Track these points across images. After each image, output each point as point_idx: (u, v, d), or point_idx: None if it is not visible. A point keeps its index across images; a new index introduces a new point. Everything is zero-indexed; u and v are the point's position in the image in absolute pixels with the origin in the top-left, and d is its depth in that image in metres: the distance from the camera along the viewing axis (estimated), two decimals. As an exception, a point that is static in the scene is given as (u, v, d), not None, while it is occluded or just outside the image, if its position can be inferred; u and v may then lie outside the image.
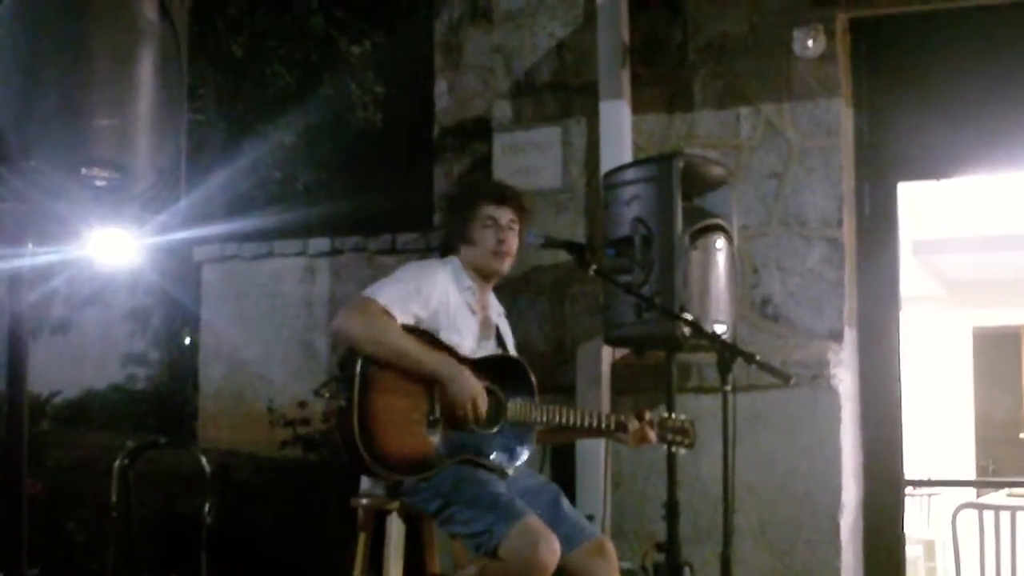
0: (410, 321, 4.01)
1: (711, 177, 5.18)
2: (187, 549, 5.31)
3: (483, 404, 3.98)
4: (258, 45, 11.71)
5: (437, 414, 3.97)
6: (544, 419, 4.11)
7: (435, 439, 3.97)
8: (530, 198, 5.26)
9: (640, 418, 4.22)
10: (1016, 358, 13.86)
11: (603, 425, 4.23)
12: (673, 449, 4.37)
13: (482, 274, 4.29)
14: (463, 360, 4.05)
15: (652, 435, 4.24)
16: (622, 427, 4.20)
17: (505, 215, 4.26)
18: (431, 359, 3.96)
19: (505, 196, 4.32)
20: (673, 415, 4.36)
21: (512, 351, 4.35)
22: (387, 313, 3.95)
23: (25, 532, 2.99)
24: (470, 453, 4.00)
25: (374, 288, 4.03)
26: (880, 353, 5.74)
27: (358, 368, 3.91)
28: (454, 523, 3.96)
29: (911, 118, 5.77)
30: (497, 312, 4.38)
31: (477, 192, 4.37)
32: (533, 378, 4.17)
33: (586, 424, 4.21)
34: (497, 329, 4.33)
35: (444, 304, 4.11)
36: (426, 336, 4.04)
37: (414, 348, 3.95)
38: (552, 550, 3.74)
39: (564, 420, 4.14)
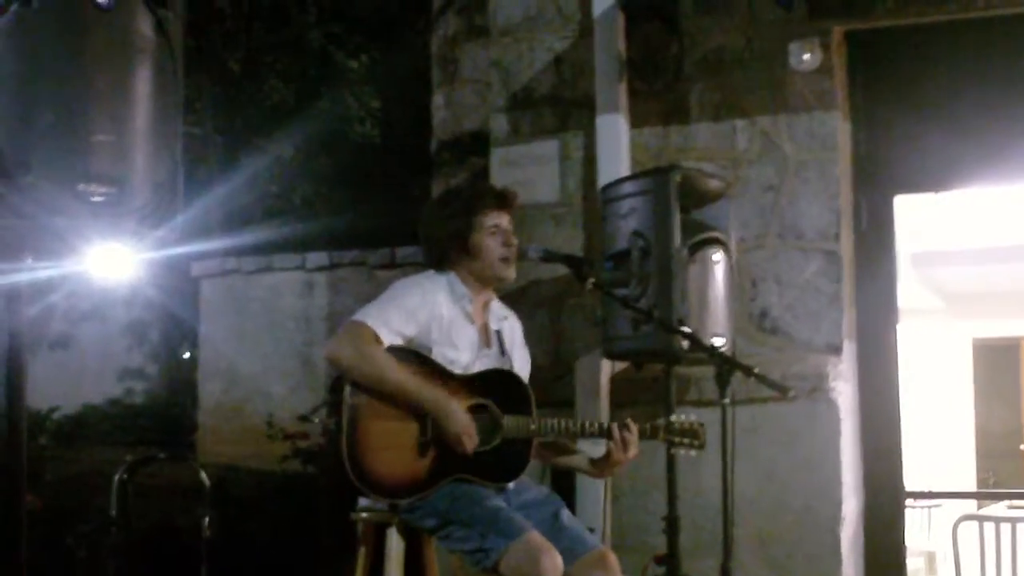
0: (399, 342, 3.99)
1: (708, 190, 5.19)
2: (186, 563, 5.31)
3: (472, 439, 3.95)
4: (255, 60, 11.75)
5: (429, 435, 3.96)
6: (541, 432, 4.08)
7: (427, 460, 3.95)
8: (528, 212, 5.26)
9: (627, 428, 4.11)
10: (1016, 370, 13.87)
11: (600, 430, 4.18)
12: (682, 452, 4.26)
13: (486, 283, 4.23)
14: (455, 379, 4.04)
15: (633, 448, 4.15)
16: (626, 428, 4.11)
17: (506, 219, 4.24)
18: (419, 393, 3.94)
19: (506, 200, 4.26)
20: (682, 416, 4.25)
21: (516, 358, 4.29)
22: (375, 336, 3.94)
23: (25, 548, 2.99)
24: (464, 471, 3.98)
25: (363, 311, 4.02)
26: (879, 366, 5.73)
27: (346, 393, 3.91)
28: (453, 540, 3.94)
29: (908, 131, 5.77)
30: (498, 317, 4.30)
31: (475, 199, 4.26)
32: (530, 390, 4.15)
33: (585, 431, 4.18)
34: (499, 335, 4.28)
35: (437, 319, 4.08)
36: (416, 358, 4.02)
37: (403, 381, 3.93)
38: (554, 565, 3.72)
39: (562, 429, 4.11)
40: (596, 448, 4.28)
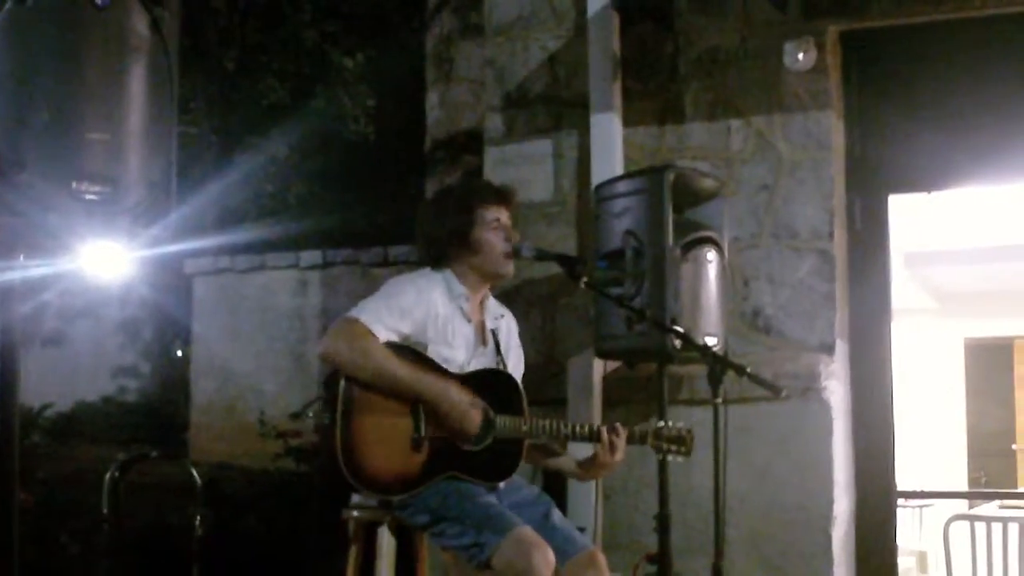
0: (394, 338, 3.98)
1: (702, 189, 5.20)
2: (178, 561, 5.30)
3: (475, 420, 3.97)
4: (250, 58, 11.74)
5: (422, 432, 3.96)
6: (532, 433, 4.09)
7: (420, 457, 3.95)
8: (521, 210, 5.27)
9: (615, 432, 4.11)
10: (1008, 370, 13.88)
11: (590, 432, 4.18)
12: (669, 458, 4.27)
13: (487, 279, 4.23)
14: (450, 378, 4.03)
15: (620, 453, 4.15)
16: (614, 432, 4.11)
17: (505, 214, 4.23)
18: (415, 380, 3.93)
19: (506, 195, 4.26)
20: (670, 423, 4.25)
21: (510, 358, 4.29)
22: (370, 333, 3.94)
23: (17, 544, 2.99)
24: (456, 469, 3.98)
25: (358, 307, 4.01)
26: (871, 365, 5.74)
27: (341, 388, 3.91)
28: (445, 537, 3.95)
29: (902, 130, 5.77)
30: (494, 315, 4.30)
31: (476, 194, 4.26)
32: (522, 391, 4.14)
33: (576, 433, 4.17)
34: (495, 334, 4.27)
35: (432, 316, 4.07)
36: (412, 354, 4.01)
37: (398, 370, 3.92)
38: (547, 560, 3.72)
39: (553, 431, 4.12)
40: (584, 449, 4.28)
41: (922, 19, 5.61)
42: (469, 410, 3.95)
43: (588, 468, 4.25)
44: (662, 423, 4.27)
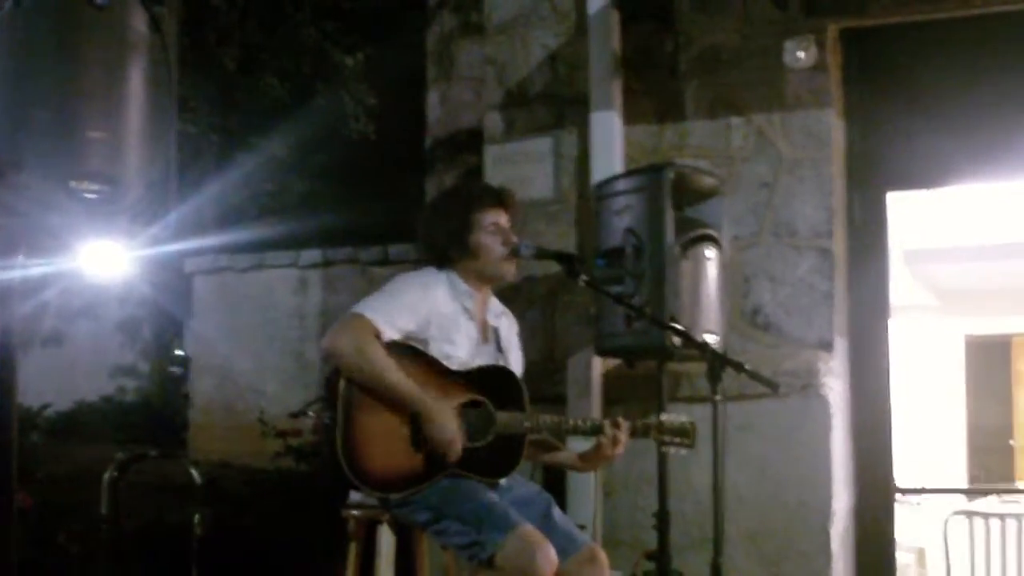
0: (398, 336, 3.98)
1: (702, 187, 5.20)
2: (178, 561, 5.30)
3: (456, 452, 3.94)
4: (250, 57, 11.73)
5: (423, 431, 3.96)
6: (534, 429, 4.09)
7: (421, 455, 3.95)
8: (521, 208, 5.28)
9: (617, 426, 4.13)
10: (1007, 367, 13.87)
11: (592, 427, 4.18)
12: (672, 451, 4.26)
13: (488, 281, 4.25)
14: (452, 375, 4.04)
15: (621, 447, 4.17)
16: (616, 426, 4.12)
17: (504, 217, 4.24)
18: (410, 395, 3.91)
19: (503, 197, 4.27)
20: (673, 415, 4.23)
21: (512, 356, 4.30)
22: (375, 330, 3.94)
23: (15, 545, 2.99)
24: (458, 467, 3.98)
25: (363, 303, 4.01)
26: (870, 362, 5.74)
27: (342, 386, 3.90)
28: (446, 535, 3.94)
29: (901, 128, 5.78)
30: (495, 313, 4.31)
31: (473, 199, 4.26)
32: (524, 388, 4.14)
33: (578, 428, 4.18)
34: (496, 332, 4.29)
35: (437, 314, 4.07)
36: (414, 353, 4.01)
37: (398, 383, 3.90)
38: (549, 559, 3.72)
39: (554, 427, 4.12)
40: (582, 444, 4.29)
41: (922, 17, 5.61)
42: (452, 444, 3.93)
43: (588, 460, 4.25)
44: (664, 416, 4.26)
